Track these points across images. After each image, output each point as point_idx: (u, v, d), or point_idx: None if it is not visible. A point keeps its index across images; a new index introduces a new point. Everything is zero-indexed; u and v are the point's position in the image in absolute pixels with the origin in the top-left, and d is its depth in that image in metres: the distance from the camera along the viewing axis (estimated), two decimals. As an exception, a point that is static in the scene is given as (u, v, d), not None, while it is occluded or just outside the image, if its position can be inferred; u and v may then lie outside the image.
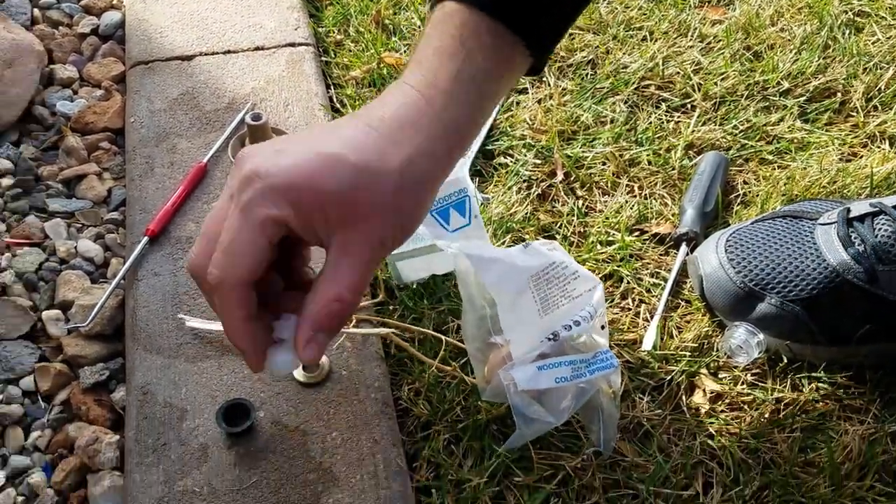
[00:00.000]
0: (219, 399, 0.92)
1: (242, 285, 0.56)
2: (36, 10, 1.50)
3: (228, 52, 1.36)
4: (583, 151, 1.21)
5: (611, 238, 1.10)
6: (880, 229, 0.95)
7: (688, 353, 0.98)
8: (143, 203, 1.13)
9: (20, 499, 0.90)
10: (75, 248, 1.13)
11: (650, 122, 1.26)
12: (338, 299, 0.56)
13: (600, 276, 1.05)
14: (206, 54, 1.36)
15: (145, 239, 1.06)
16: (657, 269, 1.08)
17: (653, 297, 1.05)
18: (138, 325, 0.99)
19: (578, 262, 0.91)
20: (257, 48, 1.37)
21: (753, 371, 0.98)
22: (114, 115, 1.30)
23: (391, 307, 1.03)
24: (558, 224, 1.12)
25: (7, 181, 1.21)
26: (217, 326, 0.97)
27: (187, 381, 0.94)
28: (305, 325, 0.57)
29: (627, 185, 1.18)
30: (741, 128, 1.25)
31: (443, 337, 0.97)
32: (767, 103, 1.29)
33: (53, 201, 1.19)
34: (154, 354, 0.96)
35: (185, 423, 0.90)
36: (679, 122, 1.27)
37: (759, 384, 0.96)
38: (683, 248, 1.08)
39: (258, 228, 0.54)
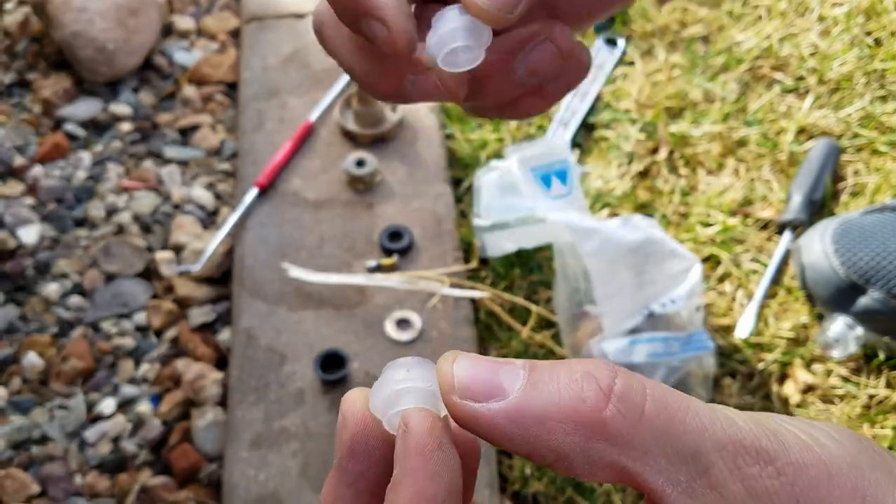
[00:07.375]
0: (315, 348, 0.96)
1: None
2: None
3: (340, 12, 1.39)
4: (689, 129, 1.19)
5: (712, 220, 1.09)
6: None
7: (783, 343, 0.97)
8: (254, 156, 1.17)
9: (129, 425, 0.97)
10: (189, 194, 1.18)
11: (762, 103, 1.22)
12: None
13: (699, 258, 1.03)
14: (318, 13, 1.39)
15: (255, 190, 1.10)
16: (758, 255, 1.06)
17: (751, 282, 1.03)
18: (245, 272, 1.04)
19: (677, 242, 0.91)
20: (368, 9, 1.39)
21: (848, 364, 0.96)
22: (228, 69, 1.34)
23: (482, 273, 1.04)
24: (658, 202, 1.11)
25: (127, 126, 1.27)
26: (316, 277, 1.00)
27: (287, 328, 0.98)
28: None
29: (733, 167, 1.15)
30: (856, 116, 1.20)
31: (533, 306, 0.99)
32: (885, 92, 1.24)
33: (169, 148, 1.24)
34: (258, 300, 1.01)
35: (284, 368, 0.95)
36: (791, 105, 1.23)
37: (853, 379, 0.94)
38: (788, 234, 1.06)
39: None
